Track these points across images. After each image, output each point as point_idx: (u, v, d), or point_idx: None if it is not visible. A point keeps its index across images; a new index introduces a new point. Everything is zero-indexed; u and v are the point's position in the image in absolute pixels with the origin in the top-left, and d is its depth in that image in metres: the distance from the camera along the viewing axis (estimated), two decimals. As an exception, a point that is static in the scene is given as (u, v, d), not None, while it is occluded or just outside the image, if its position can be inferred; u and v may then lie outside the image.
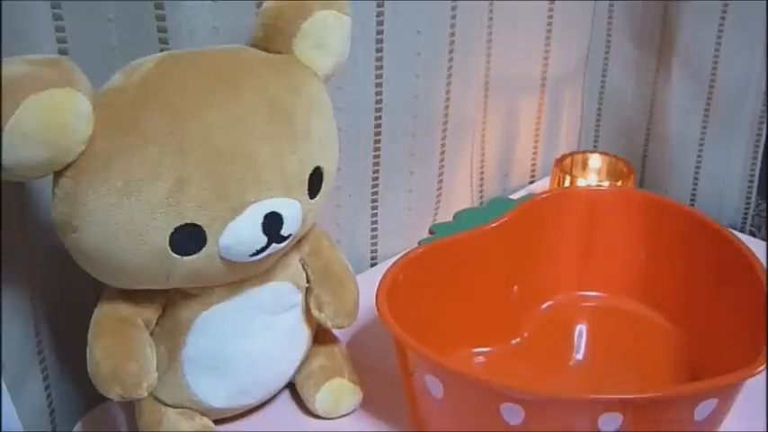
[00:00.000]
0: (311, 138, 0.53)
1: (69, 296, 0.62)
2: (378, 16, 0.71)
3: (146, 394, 0.52)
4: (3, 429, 0.51)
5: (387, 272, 0.61)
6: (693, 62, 0.89)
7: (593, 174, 0.91)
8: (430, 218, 0.86)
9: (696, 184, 0.96)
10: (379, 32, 0.71)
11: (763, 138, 0.91)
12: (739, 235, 0.72)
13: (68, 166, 0.47)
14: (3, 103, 0.42)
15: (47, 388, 0.61)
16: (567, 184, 0.87)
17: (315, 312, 0.60)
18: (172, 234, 0.49)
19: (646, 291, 0.73)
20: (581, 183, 0.87)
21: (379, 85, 0.74)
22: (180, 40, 0.59)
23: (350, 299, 0.61)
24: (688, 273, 0.69)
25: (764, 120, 0.90)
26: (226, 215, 0.50)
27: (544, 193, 0.75)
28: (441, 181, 0.85)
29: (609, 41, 0.99)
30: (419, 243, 0.66)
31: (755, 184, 0.94)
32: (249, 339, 0.58)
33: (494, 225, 0.68)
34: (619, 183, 0.86)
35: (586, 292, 0.75)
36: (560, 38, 0.91)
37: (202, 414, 0.59)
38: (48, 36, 0.56)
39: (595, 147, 1.06)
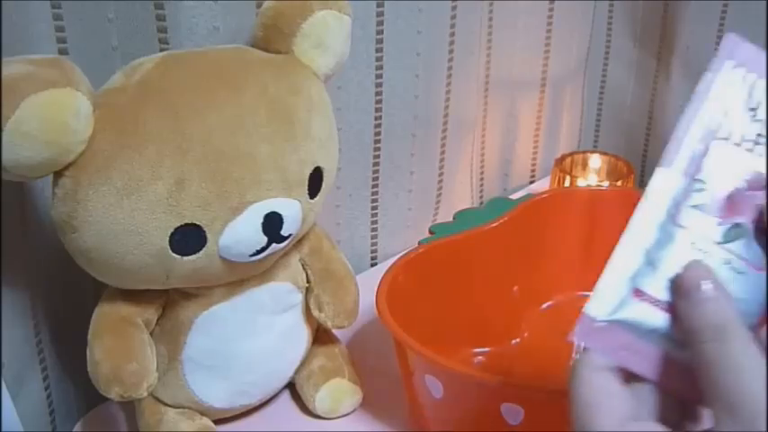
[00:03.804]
0: (311, 138, 0.53)
1: (69, 296, 0.62)
2: (378, 16, 0.71)
3: (146, 394, 0.52)
4: (3, 429, 0.51)
5: (387, 272, 0.61)
6: (693, 62, 0.89)
7: (593, 174, 0.91)
8: (430, 218, 0.86)
9: (696, 184, 0.95)
10: (379, 32, 0.71)
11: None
12: (739, 235, 0.71)
13: (68, 165, 0.47)
14: (3, 103, 0.42)
15: (47, 388, 0.61)
16: (567, 184, 0.87)
17: (315, 312, 0.60)
18: (172, 234, 0.49)
19: (646, 291, 0.72)
20: (581, 183, 0.87)
21: (379, 85, 0.74)
22: (180, 40, 0.59)
23: (350, 299, 0.61)
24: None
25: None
26: (226, 215, 0.50)
27: (544, 193, 0.75)
28: (441, 181, 0.85)
29: (609, 41, 0.99)
30: (419, 243, 0.65)
31: (755, 184, 0.94)
32: (249, 339, 0.58)
33: (494, 225, 0.67)
34: (619, 183, 0.86)
35: (586, 292, 0.74)
36: (560, 38, 0.92)
37: (202, 414, 0.59)
38: (48, 36, 0.56)
39: (595, 147, 1.06)
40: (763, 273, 0.36)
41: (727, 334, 0.33)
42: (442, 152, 0.83)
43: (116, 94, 0.49)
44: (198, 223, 0.49)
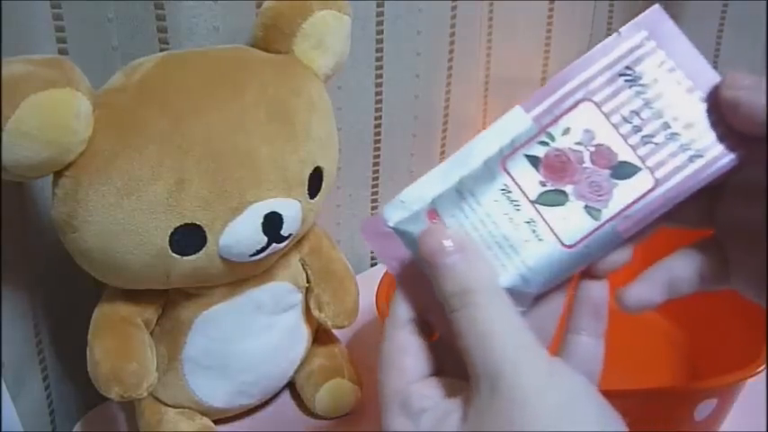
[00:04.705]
0: (311, 138, 0.53)
1: (69, 296, 0.62)
2: (378, 16, 0.71)
3: (146, 394, 0.52)
4: (3, 429, 0.51)
5: (387, 272, 0.60)
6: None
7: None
8: (430, 218, 0.86)
9: (696, 184, 0.95)
10: (379, 32, 0.71)
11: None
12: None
13: (69, 165, 0.47)
14: (3, 103, 0.42)
15: (47, 388, 0.61)
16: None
17: (315, 312, 0.60)
18: (172, 234, 0.49)
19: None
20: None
21: (379, 85, 0.74)
22: (180, 40, 0.59)
23: (350, 299, 0.61)
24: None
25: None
26: (226, 215, 0.50)
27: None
28: (441, 181, 0.85)
29: (609, 41, 0.99)
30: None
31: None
32: (249, 339, 0.58)
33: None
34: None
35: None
36: (560, 38, 0.91)
37: (202, 414, 0.59)
38: (48, 36, 0.56)
39: (595, 147, 1.06)
40: (572, 251, 0.34)
41: (472, 300, 0.31)
42: (442, 152, 0.83)
43: (116, 94, 0.49)
44: (198, 223, 0.49)
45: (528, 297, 0.34)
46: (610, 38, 0.36)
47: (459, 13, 0.76)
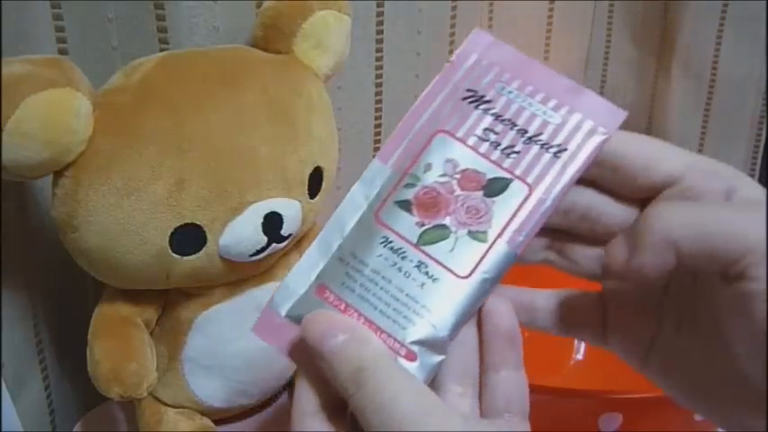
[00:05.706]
0: (311, 138, 0.53)
1: (69, 296, 0.62)
2: (378, 16, 0.71)
3: (146, 394, 0.52)
4: (3, 429, 0.51)
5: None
6: (693, 62, 0.89)
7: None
8: (430, 218, 0.86)
9: (696, 183, 0.95)
10: (379, 32, 0.71)
11: (763, 138, 0.91)
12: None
13: (68, 165, 0.47)
14: (3, 103, 0.43)
15: (47, 388, 0.61)
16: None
17: (315, 312, 0.60)
18: (172, 234, 0.49)
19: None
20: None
21: (379, 85, 0.74)
22: (180, 40, 0.59)
23: (350, 299, 0.61)
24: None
25: (764, 120, 0.90)
26: (226, 215, 0.50)
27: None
28: (441, 181, 0.85)
29: (609, 41, 0.99)
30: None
31: (755, 184, 0.94)
32: (249, 339, 0.57)
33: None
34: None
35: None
36: (560, 38, 0.91)
37: (202, 414, 0.59)
38: (48, 36, 0.56)
39: (595, 147, 1.06)
40: (469, 280, 0.33)
41: (368, 376, 0.30)
42: (442, 152, 0.83)
43: (116, 94, 0.49)
44: (198, 223, 0.49)
45: (443, 343, 0.33)
46: (444, 70, 0.36)
47: (459, 13, 0.76)
